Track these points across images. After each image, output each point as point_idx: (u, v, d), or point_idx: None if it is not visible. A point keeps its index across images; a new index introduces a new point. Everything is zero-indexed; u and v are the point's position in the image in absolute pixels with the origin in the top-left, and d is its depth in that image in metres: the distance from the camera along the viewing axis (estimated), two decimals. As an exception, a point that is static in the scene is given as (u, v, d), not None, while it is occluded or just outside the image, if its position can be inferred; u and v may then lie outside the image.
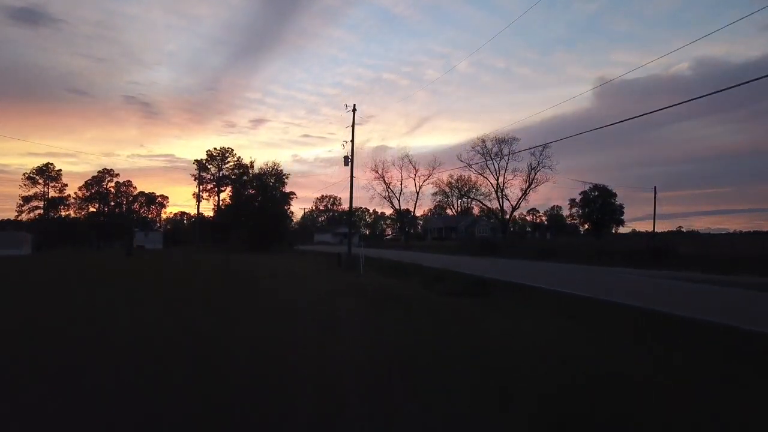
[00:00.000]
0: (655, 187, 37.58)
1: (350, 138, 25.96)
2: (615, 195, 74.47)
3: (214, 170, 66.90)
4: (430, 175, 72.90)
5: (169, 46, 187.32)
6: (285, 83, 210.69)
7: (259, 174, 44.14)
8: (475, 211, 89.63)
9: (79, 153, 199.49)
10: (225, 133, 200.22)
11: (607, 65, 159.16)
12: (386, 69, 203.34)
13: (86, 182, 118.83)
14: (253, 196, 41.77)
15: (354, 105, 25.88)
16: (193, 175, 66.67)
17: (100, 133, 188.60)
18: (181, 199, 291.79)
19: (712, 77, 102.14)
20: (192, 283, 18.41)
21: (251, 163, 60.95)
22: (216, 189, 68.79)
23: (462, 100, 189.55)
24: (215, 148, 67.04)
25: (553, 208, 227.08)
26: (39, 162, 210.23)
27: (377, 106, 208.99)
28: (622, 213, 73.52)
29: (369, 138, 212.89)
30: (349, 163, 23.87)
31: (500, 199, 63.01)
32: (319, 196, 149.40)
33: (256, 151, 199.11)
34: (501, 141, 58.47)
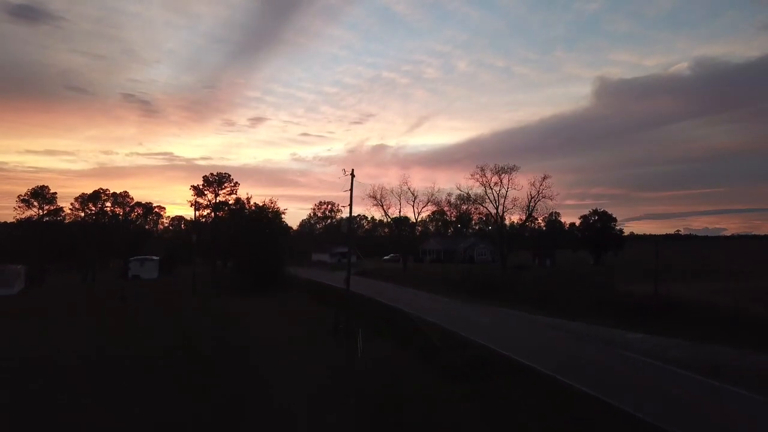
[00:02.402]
0: (656, 242, 36.59)
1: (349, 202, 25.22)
2: (615, 219, 74.11)
3: (210, 196, 66.39)
4: (428, 201, 72.29)
5: (169, 44, 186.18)
6: (284, 82, 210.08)
7: (256, 211, 43.60)
8: (474, 218, 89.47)
9: (78, 151, 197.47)
10: (224, 131, 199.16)
11: (607, 64, 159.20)
12: (386, 67, 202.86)
13: (82, 200, 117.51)
14: (250, 235, 41.15)
15: (353, 170, 25.16)
16: (190, 201, 66.43)
17: (99, 131, 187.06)
18: (179, 197, 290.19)
19: (711, 77, 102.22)
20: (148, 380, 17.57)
21: (248, 199, 60.99)
22: (213, 214, 68.25)
23: (461, 99, 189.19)
24: (212, 174, 66.87)
25: (551, 214, 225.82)
26: (37, 160, 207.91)
27: (377, 104, 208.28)
28: (622, 239, 73.05)
29: (368, 137, 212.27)
30: (348, 227, 23.16)
31: (500, 228, 62.41)
32: (317, 202, 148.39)
33: (254, 149, 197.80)
34: (500, 170, 58.04)
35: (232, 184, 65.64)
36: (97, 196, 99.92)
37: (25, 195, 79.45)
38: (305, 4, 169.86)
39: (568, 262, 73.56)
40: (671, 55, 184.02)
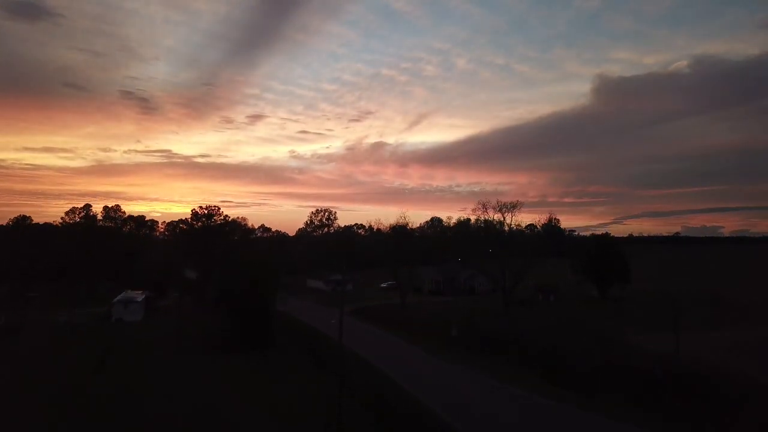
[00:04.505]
0: (675, 306, 34.25)
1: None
2: (621, 251, 71.74)
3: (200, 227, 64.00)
4: (430, 229, 69.77)
5: (168, 41, 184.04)
6: (283, 79, 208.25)
7: (249, 263, 41.17)
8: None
9: (76, 148, 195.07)
10: (222, 128, 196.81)
11: (606, 62, 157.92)
12: (385, 65, 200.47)
13: (73, 223, 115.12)
14: (243, 295, 38.73)
15: (344, 277, 22.76)
16: (180, 231, 64.16)
17: (97, 128, 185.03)
18: (178, 195, 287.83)
19: (710, 75, 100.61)
20: None
21: (240, 231, 58.69)
22: (204, 243, 65.89)
23: (460, 96, 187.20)
24: (201, 207, 64.70)
25: (550, 219, 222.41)
26: (35, 157, 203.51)
27: (376, 102, 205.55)
28: (628, 271, 70.39)
29: (367, 134, 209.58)
30: (339, 327, 20.70)
31: (502, 265, 59.89)
32: (314, 210, 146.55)
33: (253, 147, 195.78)
34: (503, 207, 55.78)
35: (222, 217, 63.45)
36: (89, 223, 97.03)
37: (8, 223, 77.28)
38: (305, 0, 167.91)
39: (572, 295, 71.07)
40: (671, 53, 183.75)
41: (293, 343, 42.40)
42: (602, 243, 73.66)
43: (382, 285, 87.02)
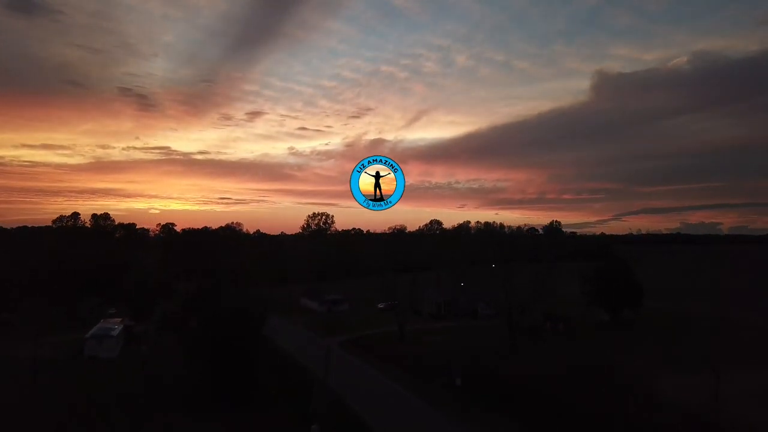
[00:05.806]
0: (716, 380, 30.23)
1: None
2: (632, 271, 67.72)
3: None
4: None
5: (166, 38, 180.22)
6: (282, 75, 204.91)
7: (231, 310, 37.03)
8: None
9: (74, 145, 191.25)
10: (221, 125, 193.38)
11: (606, 59, 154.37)
12: (384, 61, 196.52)
13: (57, 228, 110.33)
14: (217, 340, 34.62)
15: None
16: (164, 257, 60.20)
17: (96, 125, 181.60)
18: (176, 192, 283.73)
19: (710, 71, 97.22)
20: None
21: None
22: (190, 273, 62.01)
23: (460, 93, 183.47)
24: (185, 229, 60.79)
25: (551, 223, 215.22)
26: (33, 154, 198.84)
27: (375, 99, 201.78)
28: (640, 294, 66.27)
29: (366, 131, 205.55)
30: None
31: (507, 294, 55.84)
32: (311, 213, 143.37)
33: (252, 143, 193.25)
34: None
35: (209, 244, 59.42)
36: (77, 230, 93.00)
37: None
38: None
39: (581, 321, 67.01)
40: (671, 50, 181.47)
41: (280, 397, 38.08)
42: (611, 263, 69.74)
43: (380, 306, 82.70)
